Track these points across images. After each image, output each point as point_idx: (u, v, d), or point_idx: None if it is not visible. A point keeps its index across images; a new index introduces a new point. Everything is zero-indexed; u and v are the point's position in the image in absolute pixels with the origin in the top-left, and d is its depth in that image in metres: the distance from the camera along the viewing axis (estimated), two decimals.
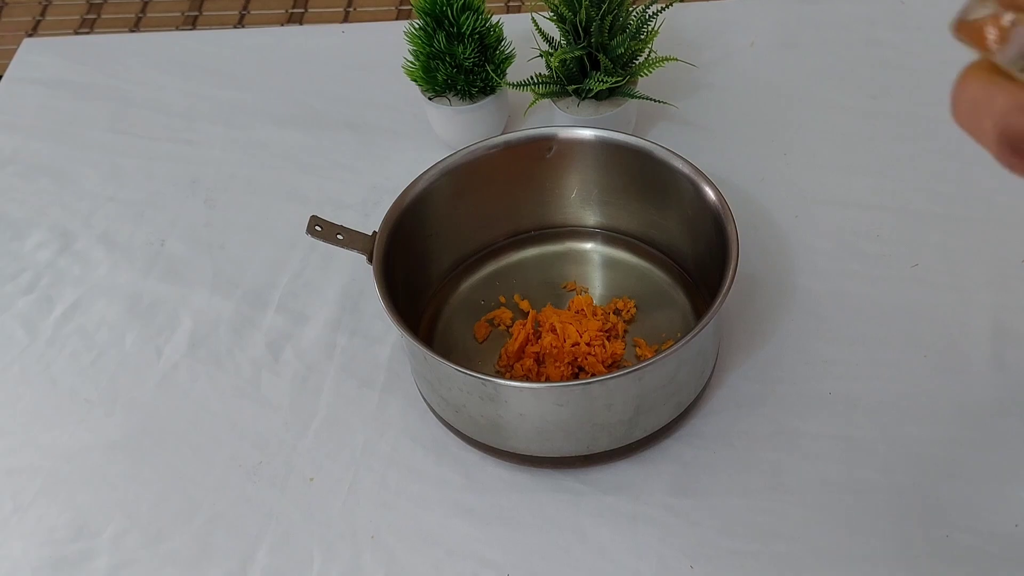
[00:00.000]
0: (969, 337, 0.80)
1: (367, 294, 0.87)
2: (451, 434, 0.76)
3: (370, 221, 0.77)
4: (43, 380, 0.85)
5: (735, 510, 0.72)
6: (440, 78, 0.92)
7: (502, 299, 0.85)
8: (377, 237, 0.75)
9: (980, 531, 0.69)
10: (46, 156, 1.05)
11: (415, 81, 0.95)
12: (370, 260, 0.75)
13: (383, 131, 1.03)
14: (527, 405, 0.70)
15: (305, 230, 0.76)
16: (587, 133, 0.83)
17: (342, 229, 0.76)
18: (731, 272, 0.70)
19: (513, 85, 0.93)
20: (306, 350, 0.84)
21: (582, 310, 0.81)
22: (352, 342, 0.85)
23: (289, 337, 0.86)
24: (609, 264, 0.87)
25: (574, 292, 0.85)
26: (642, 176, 0.82)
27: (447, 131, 0.97)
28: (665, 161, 0.79)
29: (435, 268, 0.86)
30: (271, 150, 1.02)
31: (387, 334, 0.84)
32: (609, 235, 0.88)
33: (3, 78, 1.15)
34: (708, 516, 0.71)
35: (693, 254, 0.83)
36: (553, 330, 0.79)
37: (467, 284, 0.87)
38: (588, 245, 0.88)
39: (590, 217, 0.88)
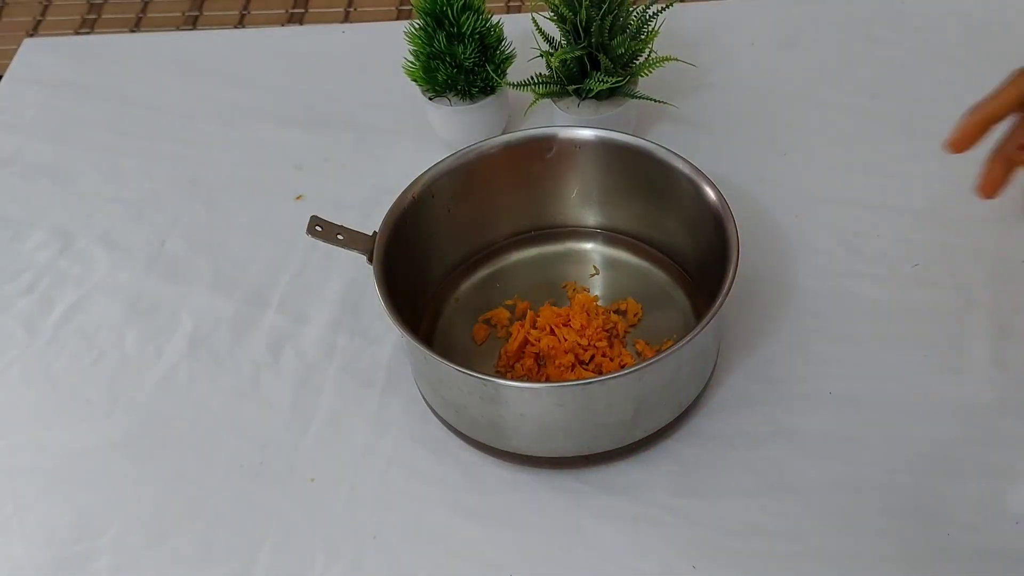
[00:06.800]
0: (969, 337, 0.80)
1: (367, 294, 0.87)
2: (451, 434, 0.76)
3: (370, 221, 0.77)
4: (43, 380, 0.85)
5: (736, 510, 0.72)
6: (440, 78, 0.92)
7: (507, 301, 0.85)
8: (377, 237, 0.75)
9: (980, 530, 0.69)
10: (46, 156, 1.05)
11: (415, 81, 0.95)
12: (370, 260, 0.75)
13: (383, 131, 1.03)
14: (527, 405, 0.70)
15: (305, 230, 0.76)
16: (587, 133, 0.82)
17: (342, 229, 0.76)
18: (731, 272, 0.70)
19: (513, 85, 0.93)
20: (306, 350, 0.84)
21: (584, 306, 0.81)
22: (352, 342, 0.85)
23: (289, 337, 0.85)
24: (609, 264, 0.87)
25: (574, 292, 0.85)
26: (642, 176, 0.82)
27: (447, 131, 0.97)
28: (665, 161, 0.80)
29: (435, 268, 0.86)
30: (271, 150, 1.02)
31: (387, 334, 0.84)
32: (609, 235, 0.88)
33: (3, 78, 1.15)
34: (709, 516, 0.72)
35: (693, 254, 0.83)
36: (552, 332, 0.79)
37: (467, 284, 0.87)
38: (588, 245, 0.88)
39: (590, 217, 0.88)
